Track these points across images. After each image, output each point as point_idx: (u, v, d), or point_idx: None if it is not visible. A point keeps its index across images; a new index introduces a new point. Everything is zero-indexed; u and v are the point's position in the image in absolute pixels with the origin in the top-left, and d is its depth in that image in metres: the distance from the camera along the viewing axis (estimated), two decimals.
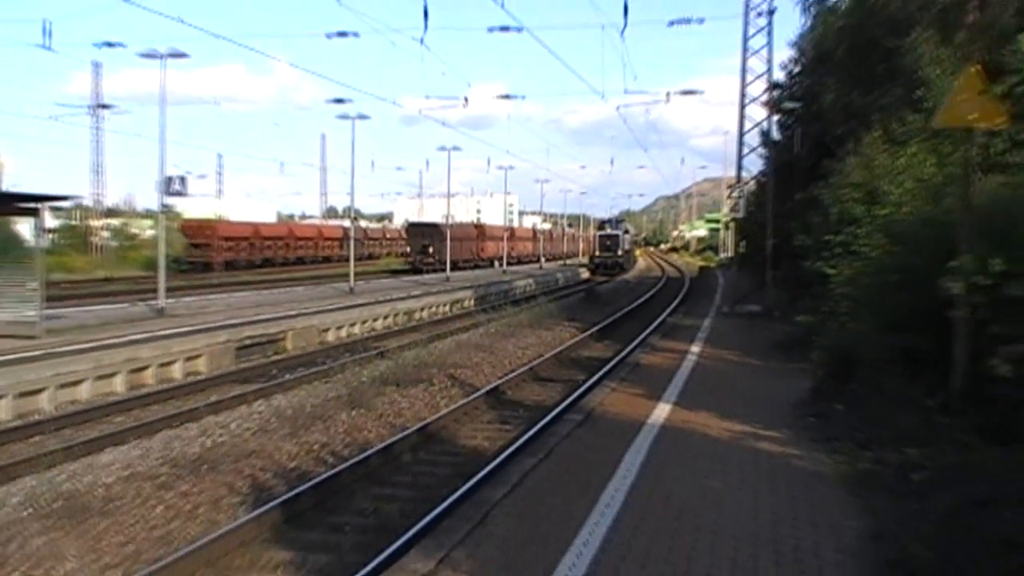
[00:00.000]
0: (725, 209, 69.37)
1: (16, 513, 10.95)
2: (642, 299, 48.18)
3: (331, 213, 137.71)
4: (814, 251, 21.08)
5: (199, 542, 9.97)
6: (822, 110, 29.13)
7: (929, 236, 12.25)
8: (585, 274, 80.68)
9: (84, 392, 18.73)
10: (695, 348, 23.51)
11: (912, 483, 9.38)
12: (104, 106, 78.24)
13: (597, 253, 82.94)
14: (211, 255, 67.09)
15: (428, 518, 10.59)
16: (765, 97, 39.55)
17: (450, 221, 66.32)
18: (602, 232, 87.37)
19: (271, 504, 11.16)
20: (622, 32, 55.20)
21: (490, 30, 33.30)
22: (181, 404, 18.16)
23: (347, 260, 47.82)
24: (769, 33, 39.87)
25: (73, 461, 13.28)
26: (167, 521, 11.03)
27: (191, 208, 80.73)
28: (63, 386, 18.30)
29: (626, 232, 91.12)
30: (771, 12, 39.69)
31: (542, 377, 22.27)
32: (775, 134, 39.35)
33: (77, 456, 13.61)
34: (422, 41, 36.02)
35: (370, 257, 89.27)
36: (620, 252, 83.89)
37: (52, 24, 34.10)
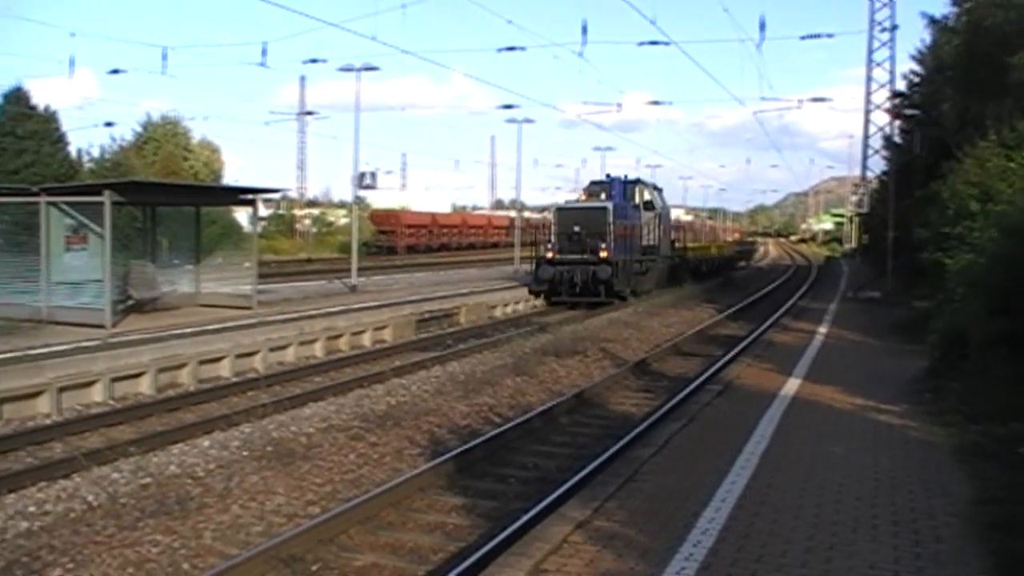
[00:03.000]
0: (849, 205, 67.74)
1: (235, 455, 11.35)
2: (774, 284, 47.25)
3: (499, 205, 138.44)
4: (932, 243, 20.49)
5: (385, 486, 10.19)
6: (940, 116, 28.60)
7: None
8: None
9: (290, 355, 19.30)
10: (822, 329, 22.96)
11: (1017, 455, 9.24)
12: (308, 113, 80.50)
13: (554, 252, 31.71)
14: (395, 240, 68.36)
15: (583, 472, 10.61)
16: (888, 104, 38.60)
17: None
18: (570, 206, 35.17)
19: (446, 456, 11.33)
20: (759, 45, 53.42)
21: (640, 44, 32.66)
22: (370, 367, 18.54)
23: (513, 246, 48.08)
24: (892, 46, 38.84)
25: (280, 413, 13.69)
26: (358, 467, 11.31)
27: (379, 199, 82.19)
28: (272, 349, 18.89)
29: (648, 207, 36.25)
30: (894, 28, 38.71)
31: (684, 352, 22.05)
32: (896, 138, 38.55)
33: (284, 409, 14.04)
34: (581, 54, 35.69)
35: (532, 243, 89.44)
36: (627, 256, 32.40)
37: (268, 45, 35.28)
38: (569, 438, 13.14)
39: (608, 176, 37.88)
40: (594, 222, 31.31)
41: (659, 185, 39.99)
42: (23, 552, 8.20)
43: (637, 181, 37.47)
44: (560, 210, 33.86)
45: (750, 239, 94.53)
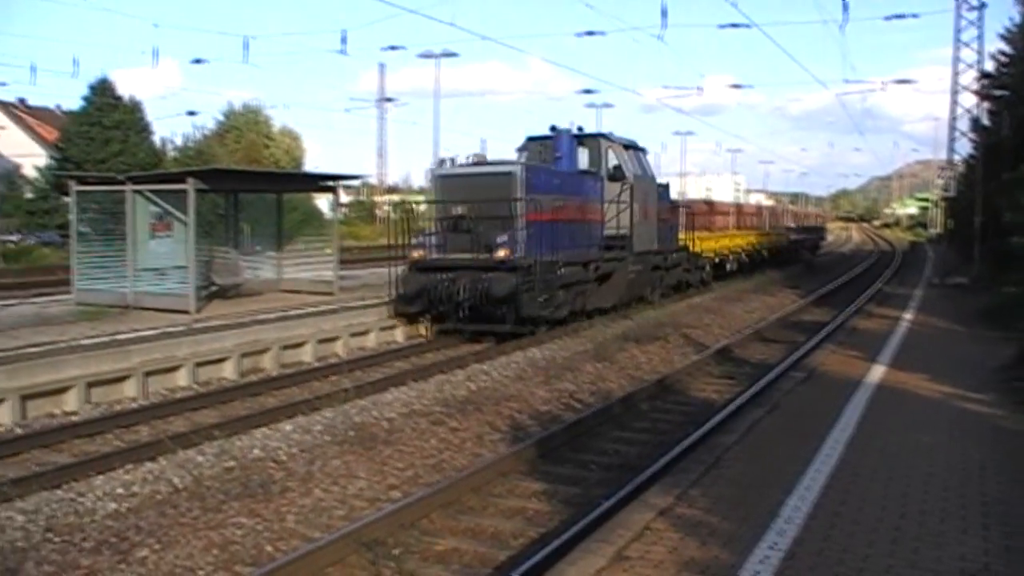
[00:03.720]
0: (935, 189, 66.30)
1: (318, 439, 11.49)
2: (858, 270, 46.50)
3: None
4: (1021, 227, 19.99)
5: (466, 471, 10.25)
6: None
7: None
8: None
9: (371, 341, 19.47)
10: (907, 315, 22.51)
11: None
12: (388, 100, 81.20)
13: (425, 252, 20.06)
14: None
15: (665, 459, 10.54)
16: (975, 85, 37.72)
17: (684, 198, 65.72)
18: (455, 172, 20.78)
19: (527, 441, 11.36)
20: (842, 27, 52.51)
21: (721, 27, 32.46)
22: (450, 353, 18.65)
23: None
24: (980, 25, 37.88)
25: (362, 398, 13.80)
26: (439, 451, 11.39)
27: None
28: (354, 335, 19.08)
29: (616, 177, 23.69)
30: (982, 6, 37.69)
31: (766, 338, 21.82)
32: (984, 120, 37.62)
33: (365, 394, 14.15)
34: (661, 37, 34.89)
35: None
36: (557, 256, 19.62)
37: (348, 32, 35.62)
38: (650, 424, 13.08)
39: (553, 129, 23.11)
40: (491, 198, 18.97)
41: (641, 145, 25.42)
42: (111, 532, 8.40)
43: (600, 136, 23.96)
44: (440, 178, 20.30)
45: (815, 224, 77.45)
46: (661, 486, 8.23)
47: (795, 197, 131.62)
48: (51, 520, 8.62)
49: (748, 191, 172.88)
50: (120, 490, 9.51)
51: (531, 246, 18.78)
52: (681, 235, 29.54)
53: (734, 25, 31.86)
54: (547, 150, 22.48)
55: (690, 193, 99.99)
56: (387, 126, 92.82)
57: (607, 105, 45.87)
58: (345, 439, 11.53)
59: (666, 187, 28.49)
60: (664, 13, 31.38)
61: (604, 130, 25.48)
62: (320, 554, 7.79)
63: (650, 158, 26.63)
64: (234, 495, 9.44)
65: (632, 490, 9.20)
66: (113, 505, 9.11)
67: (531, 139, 23.36)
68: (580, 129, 23.58)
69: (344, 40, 40.32)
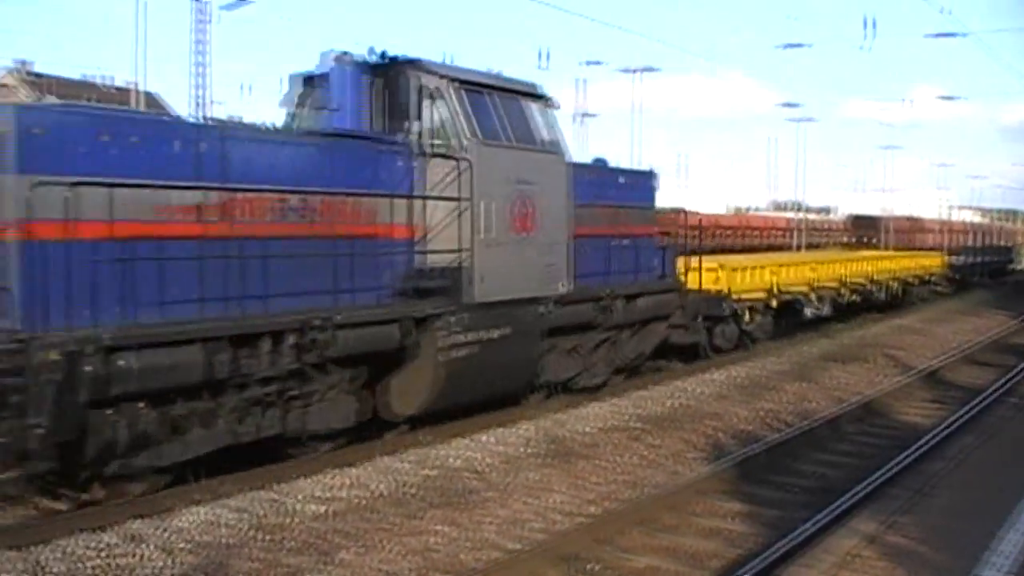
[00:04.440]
0: None
1: (516, 451, 11.69)
2: None
3: (777, 206, 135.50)
4: None
5: (664, 488, 10.23)
6: None
7: None
8: None
9: None
10: None
11: None
12: (587, 115, 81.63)
13: None
14: (675, 242, 68.20)
15: (871, 483, 10.24)
16: None
17: (889, 214, 63.60)
18: None
19: (726, 460, 11.25)
20: None
21: (930, 36, 31.11)
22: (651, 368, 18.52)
23: (792, 248, 47.01)
24: None
25: (561, 412, 13.95)
26: (636, 468, 11.36)
27: (657, 201, 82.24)
28: None
29: (444, 154, 12.18)
30: None
31: (977, 361, 20.83)
32: None
33: (564, 408, 14.26)
34: (867, 48, 33.46)
35: (814, 246, 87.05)
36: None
37: (547, 48, 36.03)
38: (854, 447, 12.72)
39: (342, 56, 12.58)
40: None
41: (539, 89, 14.07)
42: (315, 534, 8.76)
43: (409, 66, 12.61)
44: None
45: (996, 244, 65.46)
46: (868, 511, 8.01)
47: (1011, 214, 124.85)
48: (258, 519, 9.08)
49: (958, 207, 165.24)
50: (324, 493, 9.93)
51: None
52: (680, 265, 18.08)
53: (945, 35, 30.65)
54: (319, 96, 12.97)
55: (896, 210, 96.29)
56: (587, 141, 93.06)
57: (808, 119, 44.85)
58: (543, 452, 11.69)
59: (647, 177, 18.34)
60: (869, 23, 30.34)
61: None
62: (517, 566, 7.92)
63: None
64: (433, 503, 9.70)
65: (836, 514, 8.98)
66: (317, 507, 9.52)
67: (303, 78, 13.25)
68: (383, 56, 12.83)
69: (544, 56, 40.86)
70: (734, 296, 19.92)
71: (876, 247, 51.65)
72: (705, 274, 18.36)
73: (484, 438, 12.21)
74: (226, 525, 8.86)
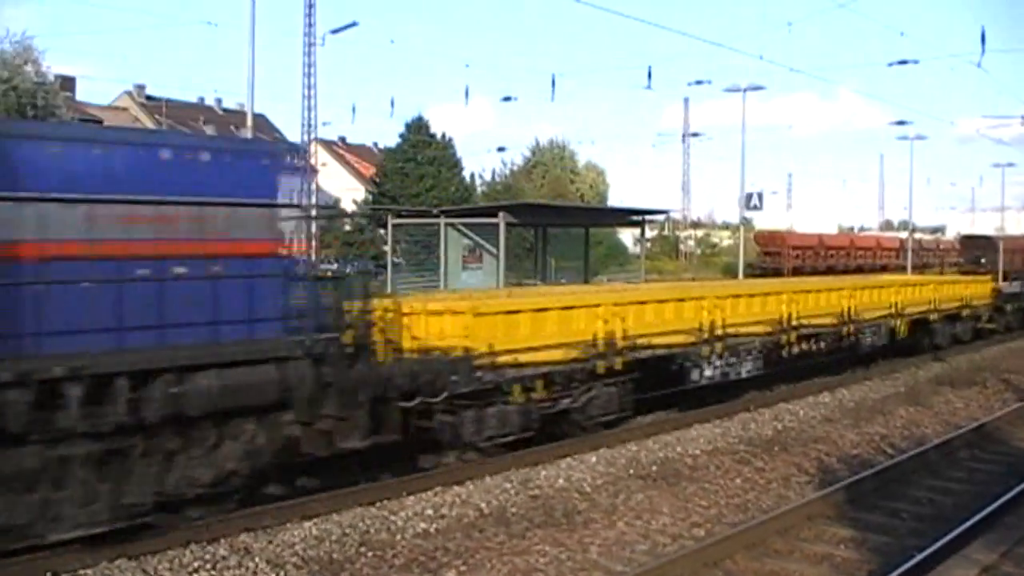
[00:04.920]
0: None
1: (622, 472, 11.73)
2: None
3: (887, 226, 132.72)
4: None
5: (772, 512, 10.14)
6: None
7: None
8: None
9: None
10: None
11: None
12: (693, 135, 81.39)
13: None
14: (781, 262, 67.21)
15: (987, 511, 9.99)
16: None
17: (1003, 234, 61.83)
18: None
19: (835, 485, 11.08)
20: None
21: None
22: (755, 390, 18.30)
23: (903, 269, 46.00)
24: None
25: (666, 433, 13.95)
26: (743, 491, 11.30)
27: (764, 220, 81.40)
28: None
29: None
30: None
31: None
32: None
33: (668, 430, 14.27)
34: (979, 64, 33.15)
35: (924, 267, 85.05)
36: None
37: (653, 67, 36.03)
38: (966, 474, 12.42)
39: None
40: None
41: None
42: (421, 551, 8.91)
43: None
44: None
45: None
46: (984, 541, 7.84)
47: None
48: (365, 535, 9.28)
49: None
50: (429, 511, 10.09)
51: None
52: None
53: None
54: None
55: (1010, 230, 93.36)
56: (691, 161, 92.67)
57: (920, 137, 43.85)
58: (649, 473, 11.69)
59: (259, 156, 10.27)
60: (983, 38, 29.48)
61: None
62: None
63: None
64: (538, 523, 9.78)
65: (949, 542, 8.79)
66: (423, 525, 9.69)
67: None
68: None
69: (650, 75, 41.10)
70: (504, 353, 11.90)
71: (986, 267, 48.56)
72: (433, 322, 11.99)
73: (590, 459, 12.25)
74: (334, 540, 9.07)
